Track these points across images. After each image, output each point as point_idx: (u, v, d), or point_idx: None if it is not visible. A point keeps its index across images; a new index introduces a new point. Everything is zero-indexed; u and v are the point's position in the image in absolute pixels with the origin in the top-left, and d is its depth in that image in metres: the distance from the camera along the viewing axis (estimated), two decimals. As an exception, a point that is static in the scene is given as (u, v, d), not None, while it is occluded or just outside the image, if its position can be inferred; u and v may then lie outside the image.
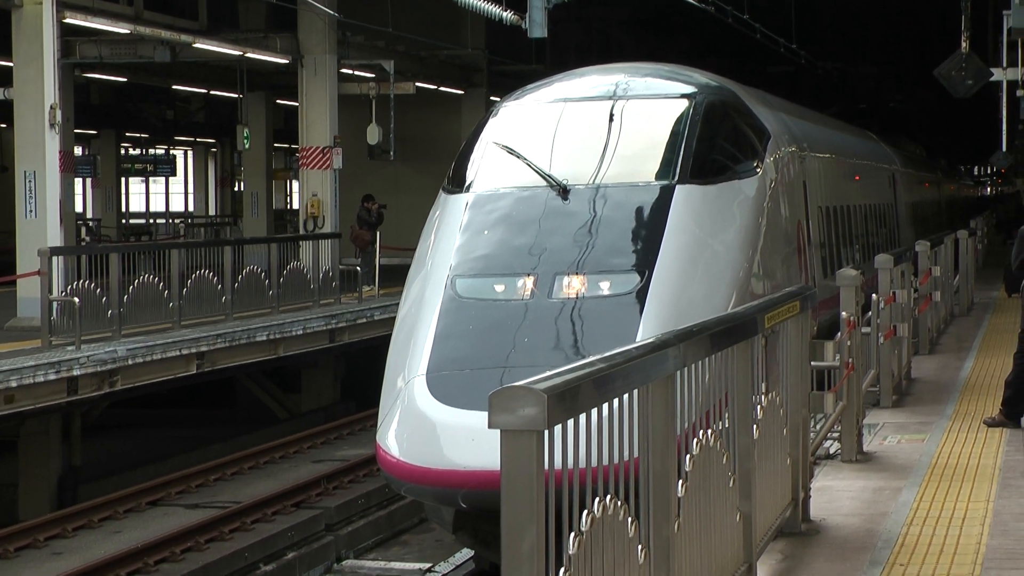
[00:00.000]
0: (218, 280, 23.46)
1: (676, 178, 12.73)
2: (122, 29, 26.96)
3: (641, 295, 11.64)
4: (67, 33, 25.89)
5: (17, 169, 22.13)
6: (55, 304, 19.97)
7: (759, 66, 44.79)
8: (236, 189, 59.51)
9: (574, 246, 12.05)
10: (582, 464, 4.77)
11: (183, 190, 70.28)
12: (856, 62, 52.20)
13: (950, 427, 12.83)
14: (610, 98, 13.52)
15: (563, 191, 12.56)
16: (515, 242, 12.23)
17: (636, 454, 5.47)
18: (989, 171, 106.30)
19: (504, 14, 23.64)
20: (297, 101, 30.39)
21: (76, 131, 37.02)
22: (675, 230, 12.25)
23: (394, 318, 12.56)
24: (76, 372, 18.96)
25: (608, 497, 4.99)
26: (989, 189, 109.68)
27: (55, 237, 21.79)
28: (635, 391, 5.43)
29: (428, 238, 12.82)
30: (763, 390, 7.63)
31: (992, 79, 25.43)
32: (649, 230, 12.26)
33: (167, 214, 67.20)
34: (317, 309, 25.81)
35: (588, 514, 4.82)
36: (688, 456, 6.14)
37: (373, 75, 32.01)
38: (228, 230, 52.75)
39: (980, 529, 8.91)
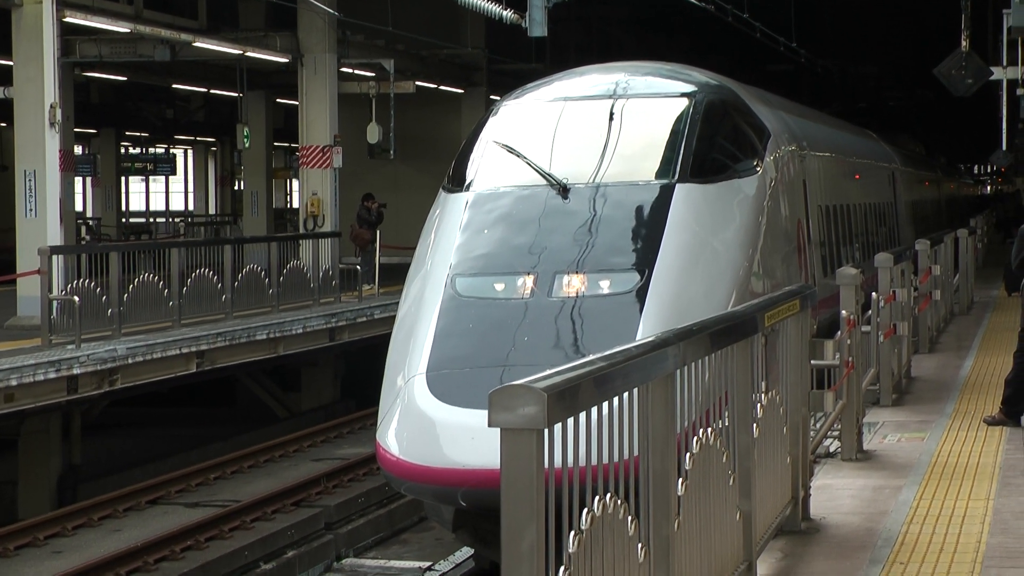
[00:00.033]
0: (218, 279, 23.46)
1: (676, 177, 12.73)
2: (122, 28, 26.96)
3: (641, 294, 11.64)
4: (67, 32, 25.89)
5: (17, 168, 22.12)
6: (55, 303, 19.97)
7: (759, 65, 44.83)
8: (236, 188, 59.52)
9: (574, 245, 12.05)
10: (582, 463, 4.77)
11: (183, 189, 70.29)
12: (856, 61, 52.21)
13: (950, 426, 12.83)
14: (610, 97, 13.51)
15: (563, 190, 12.56)
16: (515, 241, 12.23)
17: (636, 453, 5.47)
18: (989, 170, 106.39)
19: (504, 13, 23.63)
20: (297, 100, 30.39)
21: (76, 130, 37.05)
22: (675, 229, 12.25)
23: (394, 317, 12.56)
24: (76, 371, 18.96)
25: (608, 496, 4.99)
26: (989, 188, 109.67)
27: (55, 236, 21.78)
28: (635, 390, 5.43)
29: (428, 237, 12.82)
30: (763, 389, 7.63)
31: (992, 78, 25.43)
32: (649, 229, 12.26)
33: (167, 213, 67.20)
34: (317, 308, 25.80)
35: (588, 513, 4.82)
36: (688, 455, 6.14)
37: (373, 74, 32.01)
38: (228, 229, 52.74)
39: (980, 527, 8.91)
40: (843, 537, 8.73)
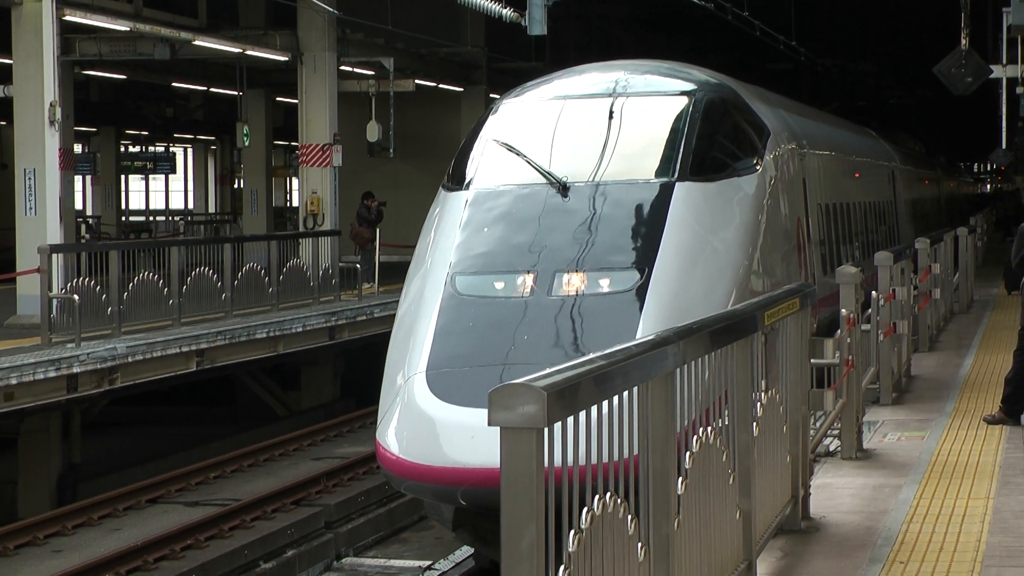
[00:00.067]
0: (218, 277, 23.46)
1: (676, 175, 12.73)
2: (122, 26, 26.95)
3: (641, 292, 11.63)
4: (67, 30, 25.88)
5: (17, 166, 22.13)
6: (55, 301, 19.97)
7: (758, 63, 44.83)
8: (236, 186, 59.53)
9: (574, 243, 12.05)
10: (582, 461, 4.77)
11: (183, 187, 70.26)
12: (856, 59, 52.22)
13: (950, 424, 12.83)
14: (610, 95, 13.51)
15: (563, 188, 12.55)
16: (515, 239, 12.22)
17: (636, 451, 5.46)
18: (989, 168, 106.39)
19: (504, 12, 23.64)
20: (297, 98, 30.38)
21: (76, 128, 37.06)
22: (675, 227, 12.24)
23: (394, 315, 12.56)
24: (76, 369, 18.96)
25: (608, 495, 4.99)
26: (989, 186, 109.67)
27: (55, 234, 21.79)
28: (635, 388, 5.43)
29: (428, 235, 12.82)
30: (763, 387, 7.63)
31: (992, 76, 25.44)
32: (649, 227, 12.26)
33: (167, 211, 67.17)
34: (317, 306, 25.80)
35: (588, 512, 4.82)
36: (688, 453, 6.13)
37: (373, 72, 32.01)
38: (228, 227, 52.74)
39: (980, 526, 8.90)
40: (843, 536, 8.72)
